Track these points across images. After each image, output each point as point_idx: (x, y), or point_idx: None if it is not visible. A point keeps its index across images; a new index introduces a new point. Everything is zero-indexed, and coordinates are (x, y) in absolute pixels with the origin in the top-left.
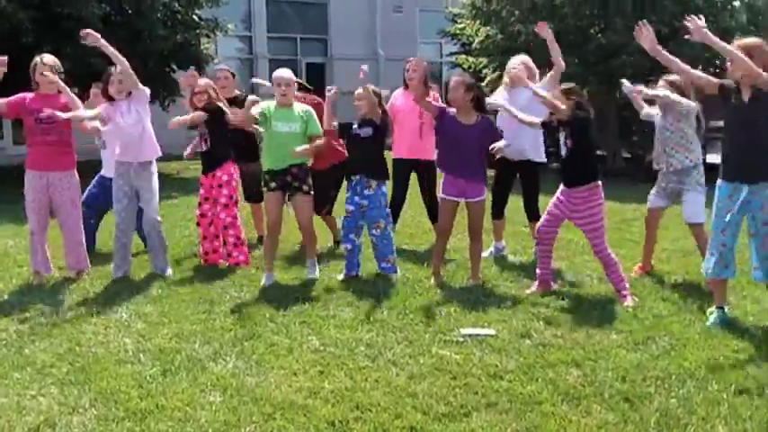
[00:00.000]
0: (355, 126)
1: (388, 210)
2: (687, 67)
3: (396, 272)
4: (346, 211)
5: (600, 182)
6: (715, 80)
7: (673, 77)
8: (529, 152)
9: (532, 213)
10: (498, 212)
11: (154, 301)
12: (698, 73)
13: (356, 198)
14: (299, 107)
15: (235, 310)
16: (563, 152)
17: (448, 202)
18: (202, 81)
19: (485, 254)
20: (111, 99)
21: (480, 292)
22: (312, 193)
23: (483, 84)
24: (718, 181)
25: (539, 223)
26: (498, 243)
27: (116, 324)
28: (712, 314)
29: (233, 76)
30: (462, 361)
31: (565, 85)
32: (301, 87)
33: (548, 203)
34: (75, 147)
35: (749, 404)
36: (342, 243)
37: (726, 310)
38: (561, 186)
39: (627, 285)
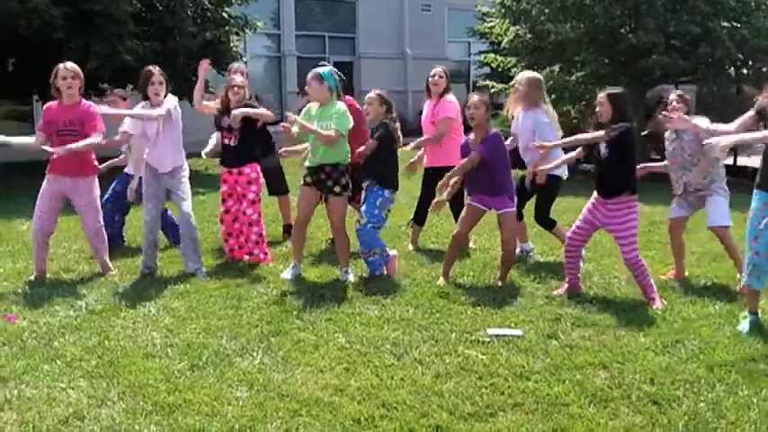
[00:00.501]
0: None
1: (378, 212)
2: (748, 136)
3: (381, 266)
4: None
5: (637, 194)
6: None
7: (684, 93)
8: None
9: (541, 221)
10: (516, 214)
11: (182, 296)
12: (751, 135)
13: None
14: (337, 106)
15: (262, 307)
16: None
17: (473, 207)
18: (238, 78)
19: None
20: (146, 98)
21: (507, 293)
22: (346, 193)
23: (511, 83)
24: (754, 190)
25: (570, 230)
26: (525, 244)
27: (144, 318)
28: (745, 318)
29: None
30: (489, 361)
31: (611, 90)
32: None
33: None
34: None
35: None
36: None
37: (759, 315)
38: (595, 194)
39: (655, 290)
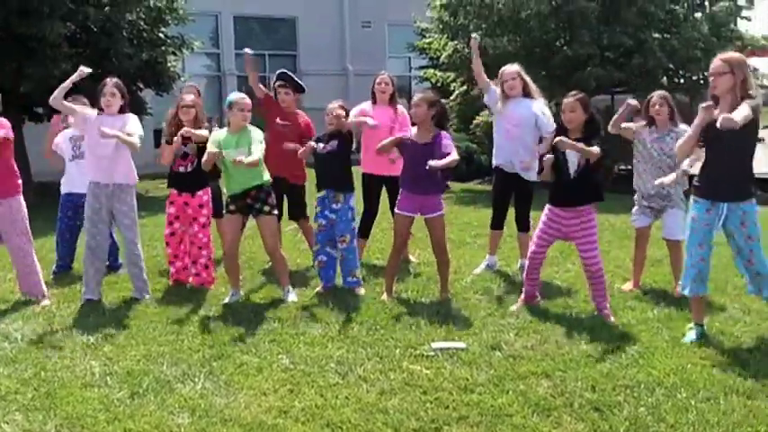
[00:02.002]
0: (319, 144)
1: (355, 224)
2: (687, 142)
3: (360, 285)
4: (319, 226)
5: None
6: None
7: (666, 94)
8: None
9: (523, 224)
10: (497, 223)
11: (121, 323)
12: (688, 140)
13: (326, 212)
14: (251, 130)
15: (203, 331)
16: (572, 170)
17: (403, 218)
18: (189, 96)
19: (477, 270)
20: (100, 109)
21: (450, 306)
22: (276, 212)
23: (451, 98)
24: (693, 197)
25: (530, 247)
26: (491, 257)
27: (82, 347)
28: (691, 330)
29: (198, 94)
30: (433, 375)
31: (579, 94)
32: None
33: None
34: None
35: (717, 410)
36: (316, 257)
37: (704, 326)
38: (550, 206)
39: (608, 303)
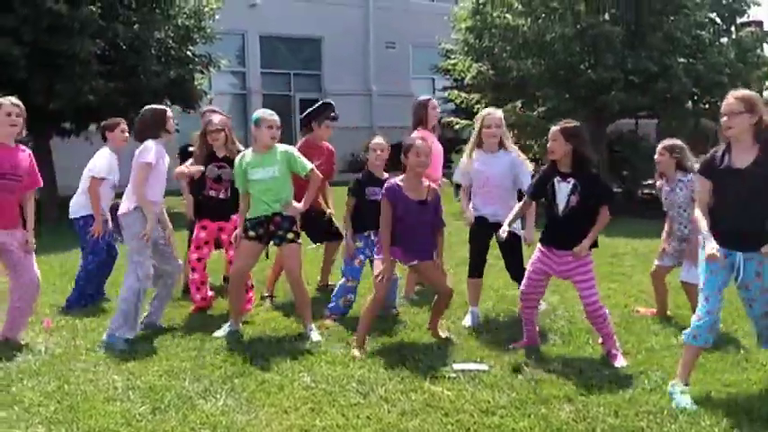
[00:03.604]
0: (372, 188)
1: None
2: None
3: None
4: (356, 257)
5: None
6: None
7: (671, 143)
8: (502, 218)
9: (515, 274)
10: (474, 271)
11: (144, 338)
12: (700, 217)
13: (366, 250)
14: (280, 148)
15: (225, 348)
16: (560, 208)
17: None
18: (216, 118)
19: (464, 322)
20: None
21: (472, 328)
22: (299, 240)
23: (475, 119)
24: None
25: (523, 284)
26: (474, 308)
27: (106, 361)
28: (684, 394)
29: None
30: (454, 397)
31: (564, 123)
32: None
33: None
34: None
35: None
36: (348, 294)
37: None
38: (541, 246)
39: (617, 344)
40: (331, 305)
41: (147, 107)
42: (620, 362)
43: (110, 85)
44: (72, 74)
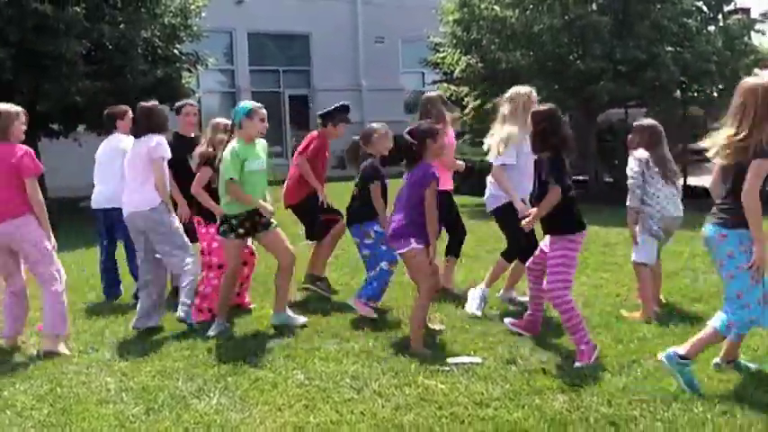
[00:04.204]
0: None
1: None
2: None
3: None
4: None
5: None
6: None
7: (646, 122)
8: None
9: (524, 251)
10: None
11: (136, 339)
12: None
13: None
14: (261, 141)
15: (218, 346)
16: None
17: None
18: (224, 121)
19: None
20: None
21: (465, 321)
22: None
23: (464, 112)
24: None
25: (529, 262)
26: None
27: (98, 363)
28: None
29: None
30: (448, 390)
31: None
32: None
33: None
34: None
35: (733, 424)
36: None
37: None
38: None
39: (585, 338)
40: (367, 291)
41: (150, 103)
42: (582, 361)
43: (96, 84)
44: (59, 74)
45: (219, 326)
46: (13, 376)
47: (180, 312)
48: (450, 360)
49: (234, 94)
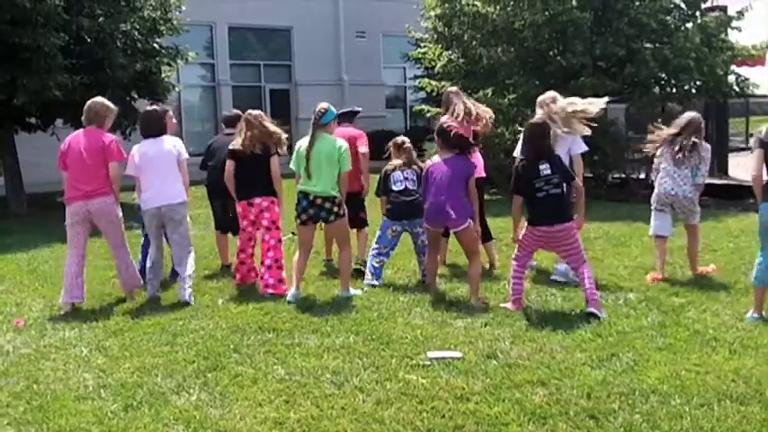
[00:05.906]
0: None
1: None
2: None
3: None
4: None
5: None
6: None
7: (688, 113)
8: None
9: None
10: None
11: (115, 335)
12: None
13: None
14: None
15: (198, 342)
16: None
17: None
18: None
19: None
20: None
21: (446, 314)
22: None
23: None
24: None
25: (516, 250)
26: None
27: (76, 359)
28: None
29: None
30: (429, 384)
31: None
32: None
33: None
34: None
35: (710, 416)
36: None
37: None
38: (532, 225)
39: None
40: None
41: (153, 107)
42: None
43: (75, 78)
44: (37, 68)
45: (296, 291)
46: None
47: (186, 296)
48: (430, 354)
49: (214, 89)
